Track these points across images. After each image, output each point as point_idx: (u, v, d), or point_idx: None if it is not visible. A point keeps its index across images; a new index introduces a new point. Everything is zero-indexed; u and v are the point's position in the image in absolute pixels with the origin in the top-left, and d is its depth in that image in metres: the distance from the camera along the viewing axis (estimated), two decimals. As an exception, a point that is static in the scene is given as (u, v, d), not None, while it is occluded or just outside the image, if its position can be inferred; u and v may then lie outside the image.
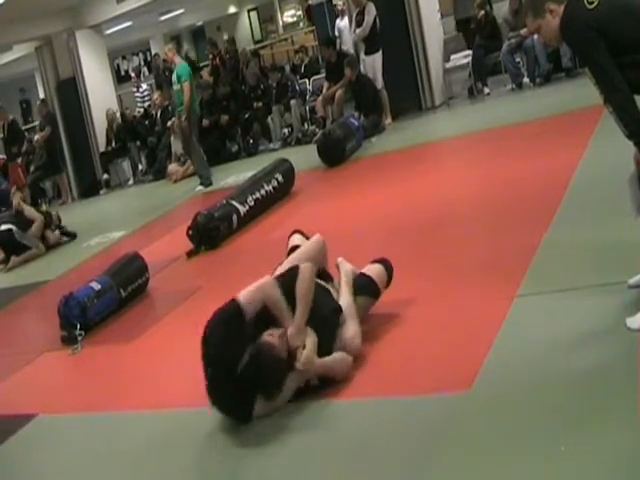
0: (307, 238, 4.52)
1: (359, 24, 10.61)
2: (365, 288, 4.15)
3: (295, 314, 3.74)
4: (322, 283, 4.09)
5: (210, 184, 10.48)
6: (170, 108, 12.77)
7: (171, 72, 10.84)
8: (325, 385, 3.74)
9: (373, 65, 10.62)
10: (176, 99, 10.59)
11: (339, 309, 3.96)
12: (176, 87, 10.32)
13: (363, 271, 4.23)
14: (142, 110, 14.56)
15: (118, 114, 14.44)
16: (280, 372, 3.60)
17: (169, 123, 12.52)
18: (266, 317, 3.71)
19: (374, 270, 4.22)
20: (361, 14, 10.58)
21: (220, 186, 10.21)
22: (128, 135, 13.90)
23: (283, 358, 3.59)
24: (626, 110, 3.27)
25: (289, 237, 4.63)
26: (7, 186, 13.37)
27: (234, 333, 3.62)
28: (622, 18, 3.34)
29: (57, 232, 10.02)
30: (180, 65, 10.35)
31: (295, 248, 4.38)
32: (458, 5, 12.82)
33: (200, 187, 10.50)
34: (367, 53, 10.71)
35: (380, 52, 10.61)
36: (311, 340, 3.72)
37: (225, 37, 18.63)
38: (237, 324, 3.64)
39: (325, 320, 3.87)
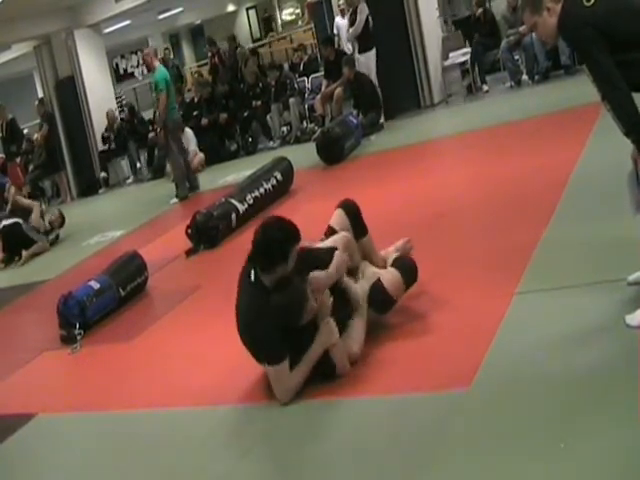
0: (353, 211, 4.46)
1: (352, 23, 10.72)
2: (376, 300, 4.07)
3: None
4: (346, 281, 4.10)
5: (185, 197, 10.12)
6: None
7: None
8: (324, 381, 3.75)
9: (367, 63, 10.67)
10: (156, 104, 10.32)
11: (350, 315, 3.99)
12: (155, 93, 10.16)
13: (382, 276, 4.14)
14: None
15: (117, 112, 14.43)
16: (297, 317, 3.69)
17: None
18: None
19: (391, 278, 4.12)
20: (354, 13, 10.69)
21: (219, 185, 10.21)
22: (128, 134, 13.89)
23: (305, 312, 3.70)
24: (624, 108, 3.27)
25: (335, 208, 4.49)
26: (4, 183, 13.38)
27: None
28: (620, 15, 3.34)
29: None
30: (157, 71, 10.01)
31: (331, 229, 4.33)
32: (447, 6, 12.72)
33: (175, 200, 10.13)
34: (360, 51, 10.79)
35: (374, 50, 10.68)
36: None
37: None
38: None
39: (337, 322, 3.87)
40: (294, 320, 3.70)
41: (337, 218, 4.40)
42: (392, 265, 4.26)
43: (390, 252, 4.56)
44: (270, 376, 3.76)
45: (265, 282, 3.76)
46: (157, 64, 10.22)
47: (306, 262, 3.84)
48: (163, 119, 9.86)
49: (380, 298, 4.08)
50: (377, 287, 4.09)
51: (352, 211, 4.44)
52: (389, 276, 4.14)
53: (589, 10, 3.31)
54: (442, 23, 13.10)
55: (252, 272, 3.79)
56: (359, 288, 4.10)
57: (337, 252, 3.96)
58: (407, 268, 4.20)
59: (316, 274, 3.81)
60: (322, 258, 3.94)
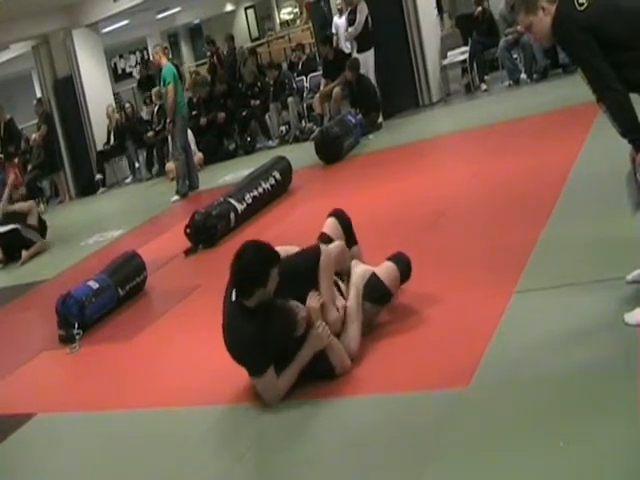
0: (345, 221, 4.52)
1: (351, 23, 10.69)
2: (373, 293, 4.09)
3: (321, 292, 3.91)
4: (337, 281, 4.13)
5: (185, 195, 10.19)
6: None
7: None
8: (321, 380, 3.75)
9: (365, 63, 10.67)
10: (164, 100, 10.45)
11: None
12: (163, 89, 10.23)
13: (376, 270, 4.16)
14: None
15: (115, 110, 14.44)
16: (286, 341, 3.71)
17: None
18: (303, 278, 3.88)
19: (386, 271, 4.14)
20: (353, 13, 10.67)
21: (218, 184, 10.21)
22: (127, 133, 13.88)
23: (296, 333, 3.71)
24: (620, 109, 3.27)
25: (327, 217, 4.55)
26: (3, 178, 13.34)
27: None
28: (612, 18, 3.34)
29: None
30: (166, 67, 10.12)
31: (324, 235, 4.37)
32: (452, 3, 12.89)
33: (176, 197, 10.19)
34: (359, 51, 10.79)
35: (372, 50, 10.69)
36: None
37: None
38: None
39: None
40: (291, 339, 3.72)
41: (330, 225, 4.47)
42: (387, 259, 4.26)
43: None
44: (258, 387, 3.78)
45: (246, 304, 3.76)
46: (165, 61, 10.33)
47: (284, 277, 3.80)
48: (172, 110, 9.93)
49: (378, 291, 4.09)
50: (373, 280, 4.11)
51: (344, 221, 4.53)
52: (384, 269, 4.16)
53: (582, 14, 3.32)
54: (447, 18, 13.13)
55: (233, 292, 3.81)
56: (352, 287, 4.11)
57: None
58: (402, 263, 4.21)
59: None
60: (298, 266, 3.96)
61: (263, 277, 3.67)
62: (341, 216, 4.54)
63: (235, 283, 3.78)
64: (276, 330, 3.67)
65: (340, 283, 4.14)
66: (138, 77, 16.80)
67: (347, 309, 4.01)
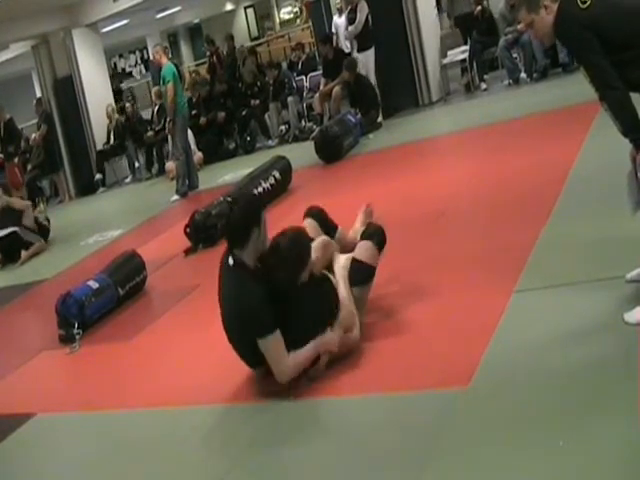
0: (319, 216, 4.57)
1: (351, 22, 10.67)
2: (358, 276, 4.14)
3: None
4: (328, 276, 4.15)
5: (185, 194, 10.19)
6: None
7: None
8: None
9: (366, 62, 10.67)
10: (165, 99, 10.49)
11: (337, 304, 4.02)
12: (163, 88, 10.27)
13: (355, 255, 4.20)
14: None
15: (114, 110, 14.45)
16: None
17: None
18: None
19: (363, 250, 4.20)
20: (353, 12, 10.65)
21: (218, 184, 10.21)
22: (127, 133, 13.88)
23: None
24: (621, 108, 3.28)
25: (303, 218, 4.60)
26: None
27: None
28: (614, 17, 3.35)
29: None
30: (166, 66, 10.15)
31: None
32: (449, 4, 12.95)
33: (176, 196, 10.19)
34: (359, 50, 10.78)
35: (372, 49, 10.67)
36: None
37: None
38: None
39: (326, 313, 3.92)
40: (303, 263, 3.88)
41: (307, 227, 4.49)
42: (360, 239, 4.31)
43: (357, 228, 4.66)
44: (267, 353, 3.74)
45: (246, 260, 3.82)
46: (165, 60, 10.35)
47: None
48: (172, 109, 9.94)
49: (361, 273, 4.15)
50: (355, 265, 4.16)
51: (319, 216, 4.59)
52: (361, 249, 4.21)
53: (585, 13, 3.32)
54: (446, 17, 13.15)
55: (230, 258, 3.87)
56: (339, 280, 4.12)
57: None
58: (376, 235, 4.27)
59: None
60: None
61: (256, 216, 3.86)
62: (314, 213, 4.61)
63: (231, 233, 3.93)
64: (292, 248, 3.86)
65: (331, 277, 4.15)
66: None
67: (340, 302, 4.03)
